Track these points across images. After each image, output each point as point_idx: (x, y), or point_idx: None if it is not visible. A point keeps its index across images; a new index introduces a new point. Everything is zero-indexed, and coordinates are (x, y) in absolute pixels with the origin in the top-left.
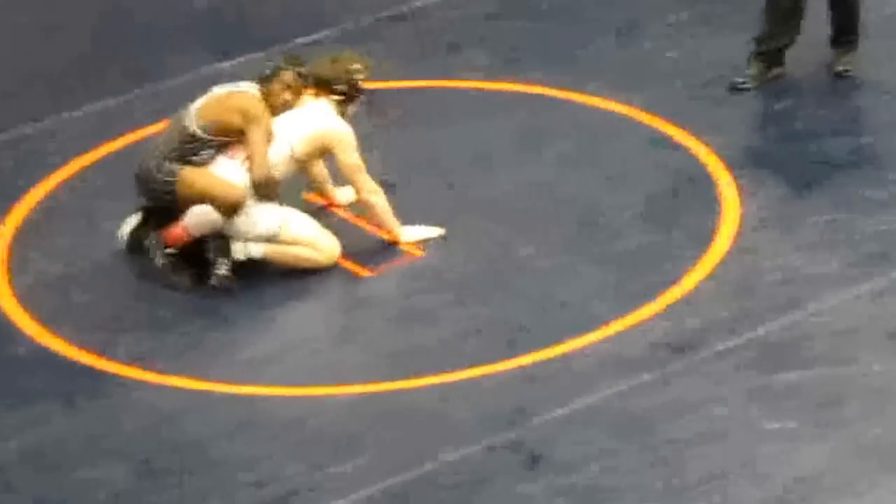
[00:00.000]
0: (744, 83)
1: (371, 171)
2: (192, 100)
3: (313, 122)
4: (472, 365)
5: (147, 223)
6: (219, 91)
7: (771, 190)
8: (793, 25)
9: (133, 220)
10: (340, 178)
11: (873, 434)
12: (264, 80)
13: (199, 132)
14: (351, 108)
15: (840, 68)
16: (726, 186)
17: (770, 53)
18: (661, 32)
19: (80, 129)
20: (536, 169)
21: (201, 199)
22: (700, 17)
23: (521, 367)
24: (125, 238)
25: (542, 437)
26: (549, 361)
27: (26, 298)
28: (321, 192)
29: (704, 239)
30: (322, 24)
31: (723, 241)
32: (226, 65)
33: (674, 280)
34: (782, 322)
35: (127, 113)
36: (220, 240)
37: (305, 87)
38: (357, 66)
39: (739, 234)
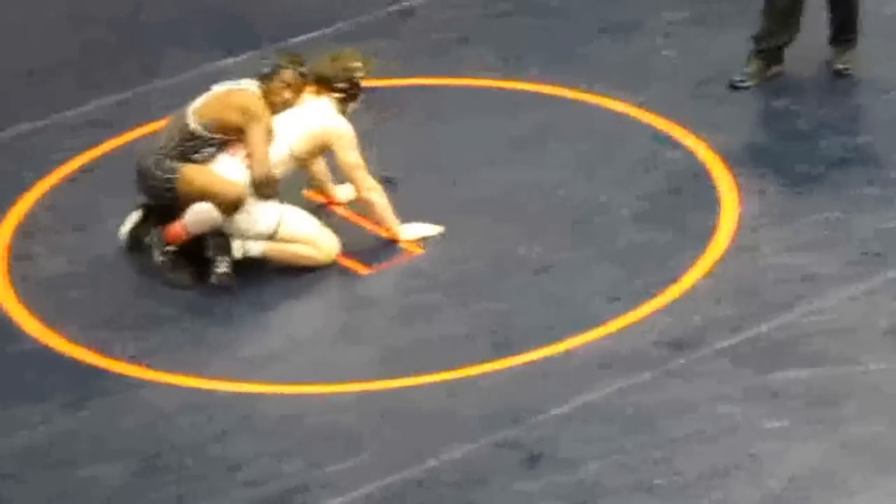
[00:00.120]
0: (743, 81)
1: (371, 168)
2: (193, 97)
3: (313, 119)
4: (471, 363)
5: (147, 221)
6: (219, 89)
7: (770, 188)
8: (792, 24)
9: (134, 218)
10: (340, 175)
11: (871, 432)
12: (264, 79)
13: (199, 130)
14: (351, 106)
15: (839, 66)
16: (726, 185)
17: (769, 52)
18: (660, 31)
19: (82, 127)
20: (536, 167)
21: (201, 196)
22: (700, 15)
23: (521, 365)
24: (125, 236)
25: (542, 435)
26: (549, 359)
27: (27, 296)
28: (321, 190)
29: (704, 237)
30: (322, 23)
31: (722, 239)
32: (226, 62)
33: (673, 278)
34: (781, 320)
35: (128, 110)
36: (219, 238)
37: (306, 84)
38: (357, 63)
39: (739, 233)
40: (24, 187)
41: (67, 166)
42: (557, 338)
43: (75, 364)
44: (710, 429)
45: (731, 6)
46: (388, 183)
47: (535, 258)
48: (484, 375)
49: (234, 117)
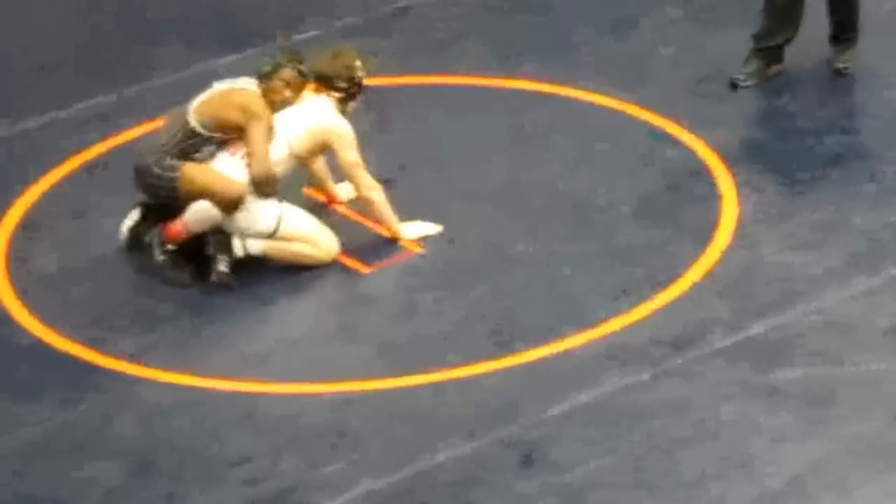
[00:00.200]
0: (743, 80)
1: (370, 167)
2: (194, 95)
3: (313, 118)
4: (469, 362)
5: (146, 219)
6: (220, 87)
7: (769, 186)
8: (792, 23)
9: (133, 216)
10: (341, 174)
11: (870, 431)
12: (264, 77)
13: (199, 128)
14: (351, 105)
15: (840, 65)
16: (725, 183)
17: (769, 50)
18: (659, 28)
19: (81, 125)
20: (535, 165)
21: (202, 194)
22: (698, 13)
23: (521, 364)
24: (125, 234)
25: (541, 434)
26: (548, 358)
27: (25, 293)
28: (321, 189)
29: (703, 235)
30: (321, 21)
31: (721, 237)
32: (226, 60)
33: (672, 277)
34: (780, 319)
35: (128, 108)
36: (220, 236)
37: (305, 83)
38: (358, 62)
39: (738, 231)
40: (25, 183)
41: (68, 163)
42: (557, 336)
43: (73, 361)
44: (709, 427)
45: (731, 4)
46: (387, 182)
47: (535, 256)
48: (483, 374)
49: (234, 116)
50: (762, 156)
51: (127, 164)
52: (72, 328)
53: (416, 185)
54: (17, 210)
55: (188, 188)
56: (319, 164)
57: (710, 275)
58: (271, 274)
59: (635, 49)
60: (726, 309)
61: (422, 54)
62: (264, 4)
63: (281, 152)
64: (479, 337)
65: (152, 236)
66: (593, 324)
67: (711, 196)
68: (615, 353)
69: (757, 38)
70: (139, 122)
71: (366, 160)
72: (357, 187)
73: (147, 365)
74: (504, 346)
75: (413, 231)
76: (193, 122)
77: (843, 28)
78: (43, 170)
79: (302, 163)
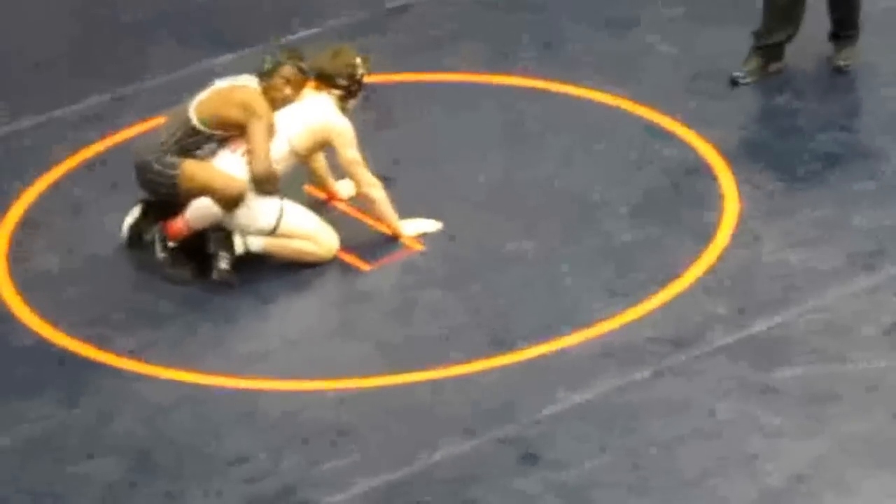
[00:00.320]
0: (743, 77)
1: (369, 164)
2: (194, 93)
3: (313, 116)
4: (468, 360)
5: (147, 216)
6: (220, 85)
7: (769, 184)
8: (792, 21)
9: (134, 213)
10: (341, 171)
11: (870, 429)
12: (265, 75)
13: (200, 126)
14: (352, 103)
15: (840, 63)
16: (724, 181)
17: (769, 48)
18: (658, 26)
19: (78, 123)
20: (533, 163)
21: (202, 192)
22: (698, 10)
23: (519, 362)
24: (126, 231)
25: (538, 433)
26: (547, 356)
27: (25, 291)
28: (321, 186)
29: (702, 233)
30: (319, 19)
31: (721, 235)
32: (226, 58)
33: (672, 275)
34: (780, 317)
35: (127, 106)
36: (221, 233)
37: (306, 81)
38: (358, 60)
39: (737, 229)
40: (24, 182)
41: (68, 162)
42: (556, 334)
43: (73, 358)
44: (709, 426)
45: (730, 1)
46: (387, 179)
47: (534, 254)
48: (482, 372)
49: (234, 114)
50: (762, 153)
51: (125, 161)
52: (72, 325)
53: (414, 182)
54: (17, 209)
55: (188, 185)
56: (320, 162)
57: (709, 273)
58: (272, 271)
59: (634, 46)
60: (726, 307)
61: (418, 52)
62: (260, 3)
63: (281, 150)
64: (479, 335)
65: (153, 234)
66: (592, 322)
67: (711, 194)
68: (614, 351)
69: (757, 35)
70: (136, 121)
71: (365, 158)
72: (357, 185)
73: (147, 362)
74: (503, 345)
75: (413, 228)
76: (194, 119)
77: (844, 25)
78: (42, 168)
79: (302, 160)
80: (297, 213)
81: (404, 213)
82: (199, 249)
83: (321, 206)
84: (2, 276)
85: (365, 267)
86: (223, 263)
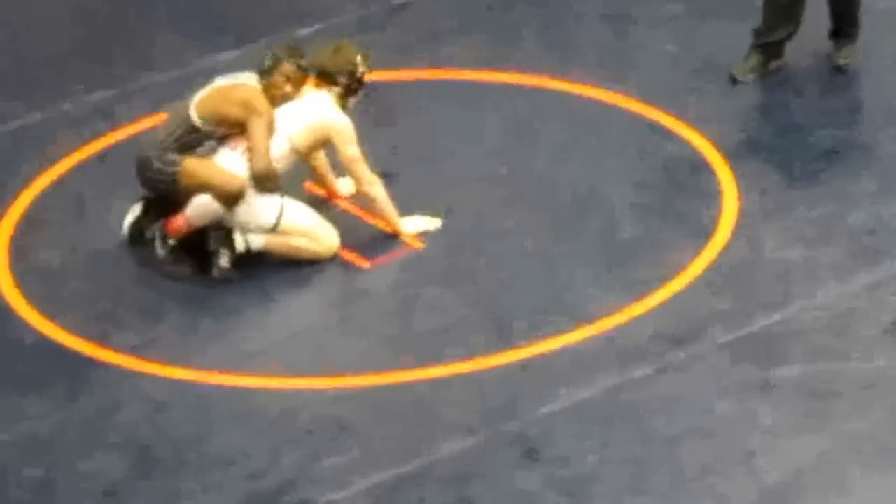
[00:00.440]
0: (743, 75)
1: (370, 162)
2: (195, 90)
3: (313, 113)
4: (470, 357)
5: (148, 214)
6: (221, 82)
7: (769, 182)
8: (793, 19)
9: (136, 210)
10: (341, 168)
11: (870, 428)
12: (265, 72)
13: (200, 123)
14: (352, 101)
15: (840, 61)
16: (724, 178)
17: (769, 46)
18: (659, 22)
19: (82, 119)
20: (534, 160)
21: (203, 189)
22: (698, 6)
23: (520, 359)
24: (127, 228)
25: (539, 430)
26: (548, 353)
27: (27, 286)
28: (322, 184)
29: (703, 230)
30: (318, 17)
31: (721, 232)
32: (227, 56)
33: (672, 272)
34: (781, 315)
35: (129, 103)
36: (221, 230)
37: (306, 78)
38: (359, 58)
39: (738, 226)
40: (27, 178)
41: (69, 158)
42: (557, 331)
43: (74, 355)
44: (709, 424)
45: None
46: (387, 176)
47: (535, 251)
48: (483, 369)
49: (235, 111)
50: (762, 151)
51: (128, 158)
52: (73, 322)
53: (415, 179)
54: (20, 204)
55: (188, 182)
56: (320, 159)
57: (709, 270)
58: (272, 268)
59: (634, 42)
60: (726, 304)
61: (419, 49)
62: (263, 0)
63: (282, 147)
64: (479, 332)
65: (154, 231)
66: (593, 319)
67: (711, 191)
68: (615, 348)
69: (757, 33)
70: (140, 117)
71: (365, 155)
72: (357, 182)
73: (148, 359)
74: (504, 341)
75: (413, 226)
76: (195, 116)
77: (844, 24)
78: (44, 164)
79: (303, 158)
80: (297, 211)
81: (404, 210)
82: (199, 247)
83: (321, 204)
84: (4, 272)
85: (365, 264)
86: (223, 261)
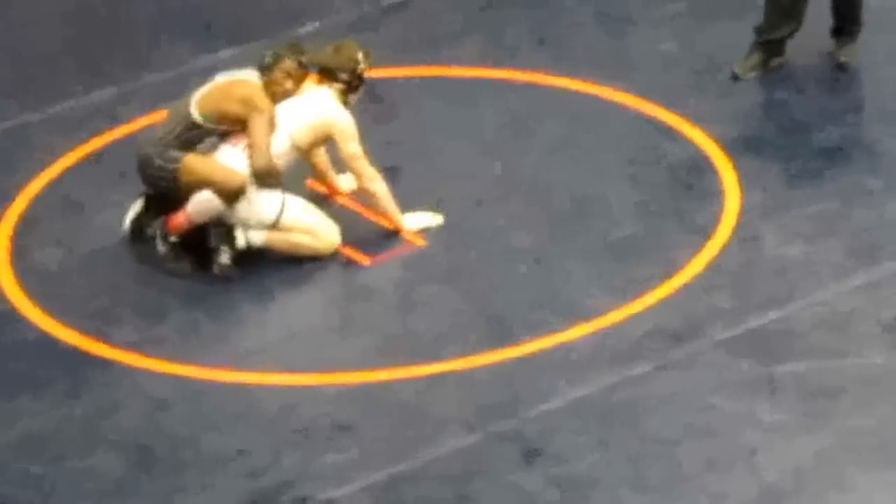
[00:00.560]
0: (744, 72)
1: (371, 158)
2: (195, 87)
3: (314, 110)
4: (469, 354)
5: (149, 211)
6: (221, 79)
7: (770, 179)
8: (795, 17)
9: (136, 208)
10: (342, 165)
11: (870, 425)
12: (266, 69)
13: (201, 120)
14: (353, 98)
15: (842, 59)
16: (726, 176)
17: (771, 44)
18: (660, 20)
19: (81, 118)
20: (534, 157)
21: (203, 185)
22: (699, 5)
23: (519, 357)
24: (128, 226)
25: (538, 428)
26: (547, 351)
27: (28, 285)
28: (323, 180)
29: (703, 228)
30: (317, 16)
31: (722, 230)
32: (227, 53)
33: (673, 269)
34: (781, 312)
35: (129, 101)
36: (222, 227)
37: (307, 75)
38: (360, 55)
39: (738, 224)
40: (27, 177)
41: (70, 156)
42: (556, 329)
43: (75, 352)
44: (709, 421)
45: None
46: (387, 173)
47: (535, 249)
48: (483, 367)
49: (235, 108)
50: (763, 149)
51: (128, 156)
52: (74, 320)
53: (415, 176)
54: (19, 203)
55: (189, 179)
56: (321, 156)
57: (710, 267)
58: (272, 266)
59: (635, 41)
60: (726, 302)
61: (419, 47)
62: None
63: (282, 144)
64: (479, 329)
65: (155, 228)
66: (593, 316)
67: (712, 189)
68: (615, 345)
69: (759, 31)
70: (139, 116)
71: (366, 152)
72: (358, 179)
73: (148, 356)
74: (504, 339)
75: (414, 222)
76: (195, 113)
77: (846, 21)
78: (44, 163)
79: (303, 154)
80: (298, 207)
81: (405, 207)
82: (200, 244)
83: (322, 201)
84: (4, 270)
85: (366, 261)
86: (224, 257)
